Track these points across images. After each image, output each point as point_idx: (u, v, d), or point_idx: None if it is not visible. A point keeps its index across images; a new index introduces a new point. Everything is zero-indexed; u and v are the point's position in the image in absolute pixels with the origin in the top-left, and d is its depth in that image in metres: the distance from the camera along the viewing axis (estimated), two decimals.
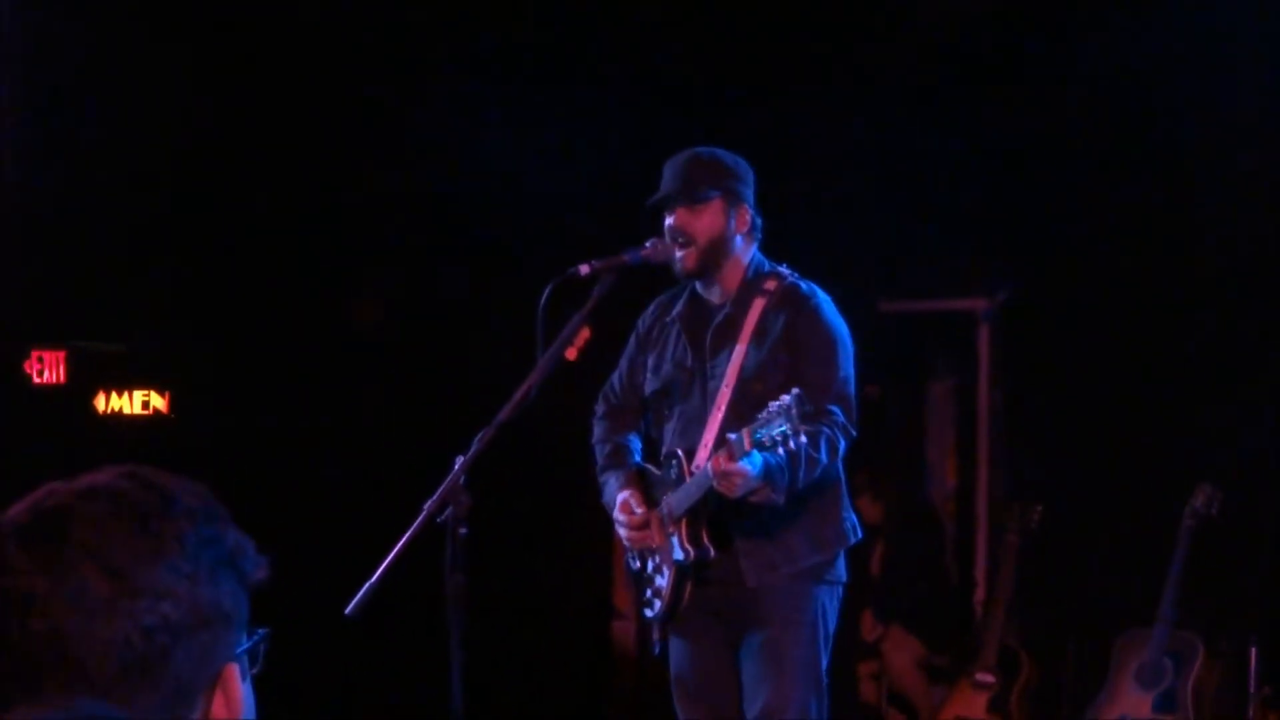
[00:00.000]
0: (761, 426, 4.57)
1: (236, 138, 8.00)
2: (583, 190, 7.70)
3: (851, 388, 5.02)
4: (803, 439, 4.69)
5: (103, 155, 7.74)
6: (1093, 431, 7.72)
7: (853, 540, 5.12)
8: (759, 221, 5.14)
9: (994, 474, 8.35)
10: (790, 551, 4.97)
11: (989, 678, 7.55)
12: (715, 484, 4.77)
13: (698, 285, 5.15)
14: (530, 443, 8.07)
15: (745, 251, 5.11)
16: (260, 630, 2.03)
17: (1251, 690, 6.81)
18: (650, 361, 5.20)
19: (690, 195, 5.02)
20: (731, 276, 5.10)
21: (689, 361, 5.11)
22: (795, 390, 4.56)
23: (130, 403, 7.98)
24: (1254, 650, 6.83)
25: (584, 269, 4.68)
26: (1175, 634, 7.04)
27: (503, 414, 4.46)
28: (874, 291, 8.42)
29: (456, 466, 4.37)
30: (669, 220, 5.04)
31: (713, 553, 4.95)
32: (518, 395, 4.48)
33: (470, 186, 7.91)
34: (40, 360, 7.83)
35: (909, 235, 8.08)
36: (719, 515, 4.93)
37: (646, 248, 4.84)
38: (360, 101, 8.07)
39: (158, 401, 7.99)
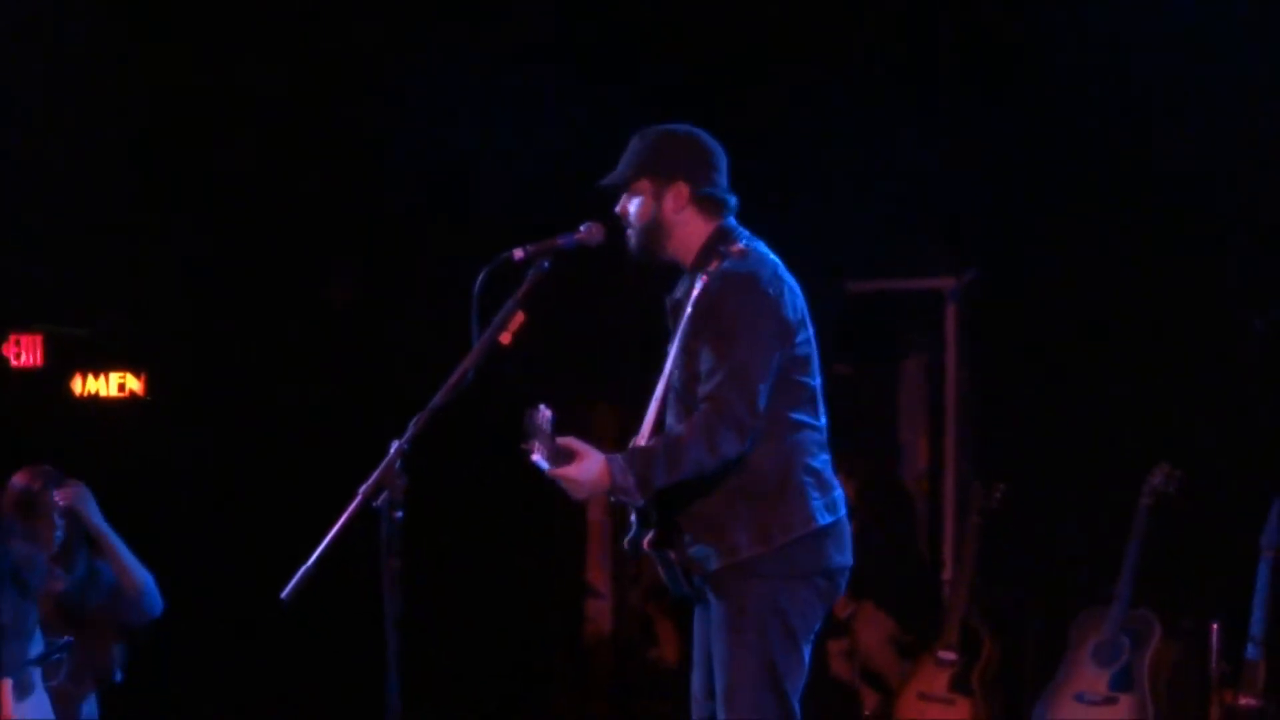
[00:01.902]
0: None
1: (209, 122, 8.05)
2: (529, 173, 7.76)
3: (753, 374, 4.69)
4: (678, 431, 4.67)
5: (77, 140, 7.78)
6: (1055, 411, 7.76)
7: (801, 531, 4.75)
8: (716, 197, 4.91)
9: (961, 453, 8.38)
10: (730, 544, 4.77)
11: (951, 655, 7.61)
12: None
13: (652, 264, 5.08)
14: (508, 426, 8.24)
15: (696, 229, 4.90)
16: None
17: (1213, 668, 6.83)
18: None
19: (620, 180, 4.95)
20: (680, 255, 4.94)
21: (668, 349, 5.01)
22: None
23: (106, 385, 8.05)
24: (1214, 627, 6.85)
25: (518, 253, 4.66)
26: (1132, 612, 7.08)
27: (438, 398, 4.47)
28: (842, 271, 8.46)
29: (392, 450, 4.38)
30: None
31: (648, 540, 4.89)
32: (453, 379, 4.49)
33: (415, 172, 7.98)
34: (18, 343, 7.89)
35: (877, 214, 8.10)
36: (665, 506, 4.80)
37: (580, 231, 4.80)
38: (327, 88, 8.11)
39: (133, 384, 8.05)
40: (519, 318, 4.61)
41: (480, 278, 4.56)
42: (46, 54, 7.74)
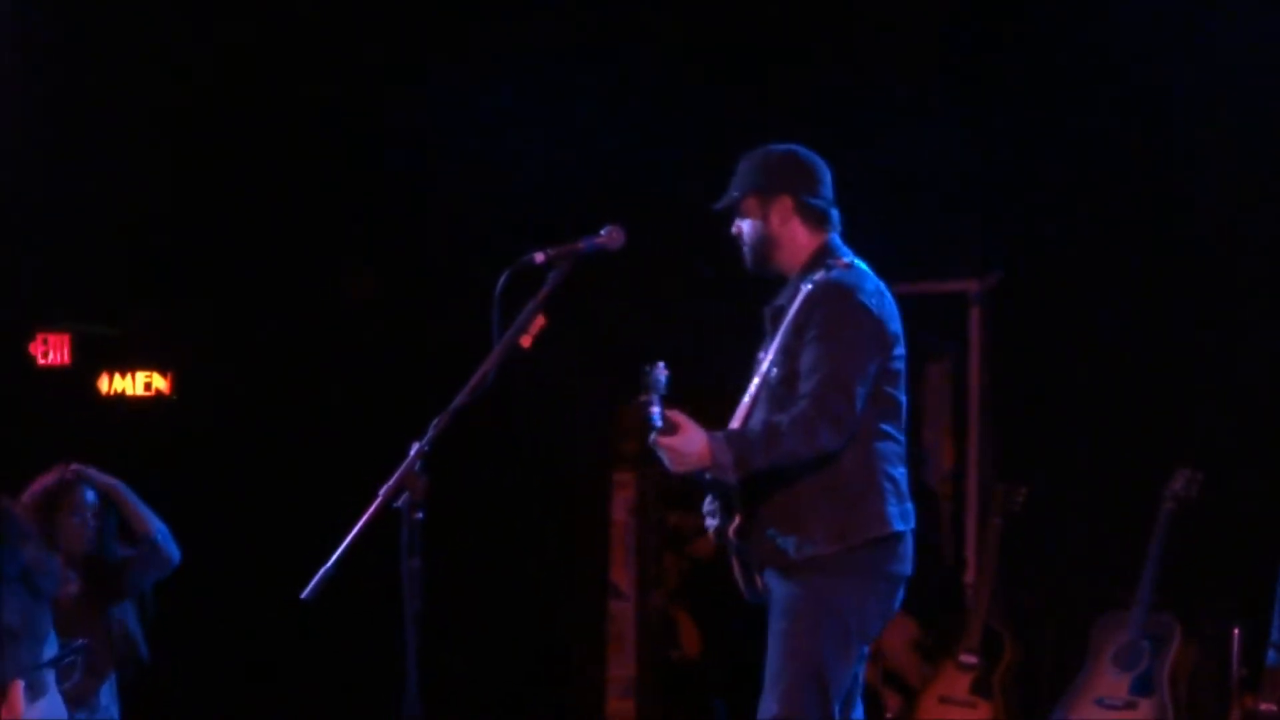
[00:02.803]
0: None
1: (237, 122, 8.08)
2: (552, 175, 7.78)
3: (853, 375, 4.88)
4: (776, 418, 4.79)
5: (106, 140, 7.82)
6: (1077, 414, 7.76)
7: (878, 532, 4.93)
8: (822, 209, 5.17)
9: (984, 456, 8.38)
10: (806, 537, 4.91)
11: (972, 659, 7.61)
12: (662, 459, 4.85)
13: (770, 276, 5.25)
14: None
15: (804, 241, 5.14)
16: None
17: (1233, 672, 6.82)
18: None
19: (730, 202, 5.20)
20: (790, 266, 5.15)
21: (759, 351, 5.21)
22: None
23: (133, 384, 8.09)
24: (1236, 632, 6.84)
25: (539, 256, 4.70)
26: (1153, 616, 7.08)
27: (458, 400, 4.50)
28: None
29: (412, 452, 4.41)
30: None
31: (733, 528, 5.00)
32: (473, 381, 4.53)
33: (441, 175, 8.01)
34: (45, 342, 7.94)
35: (901, 217, 8.10)
36: (749, 498, 4.96)
37: (602, 235, 4.86)
38: (351, 90, 8.14)
39: (160, 383, 8.09)
40: (539, 321, 4.65)
41: (501, 280, 4.60)
42: (78, 52, 7.78)
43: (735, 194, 5.18)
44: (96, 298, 8.07)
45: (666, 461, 4.86)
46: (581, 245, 4.81)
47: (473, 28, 7.98)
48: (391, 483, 4.38)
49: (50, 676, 5.94)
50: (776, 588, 4.99)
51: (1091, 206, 7.81)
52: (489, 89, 7.92)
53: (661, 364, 4.78)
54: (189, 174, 8.08)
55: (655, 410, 4.78)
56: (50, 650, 5.93)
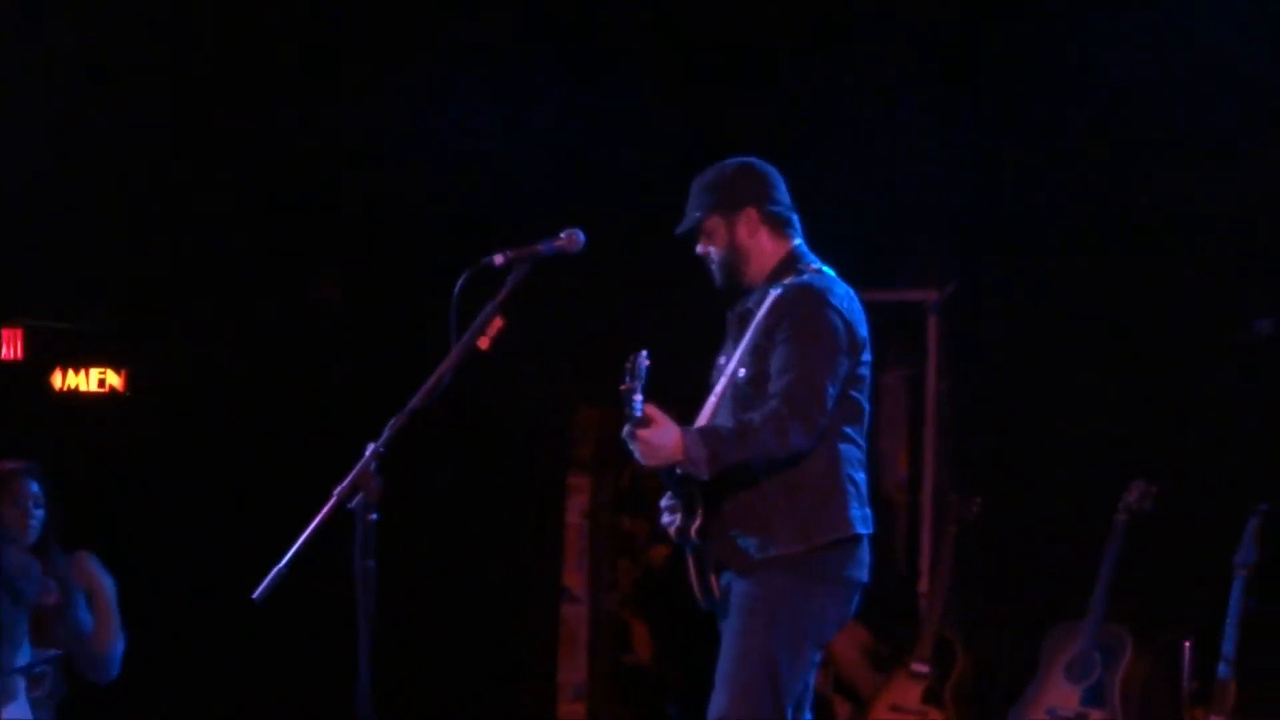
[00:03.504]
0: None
1: (196, 120, 8.04)
2: (513, 178, 7.77)
3: (824, 376, 4.93)
4: (752, 417, 4.81)
5: (61, 135, 7.78)
6: (1033, 424, 7.77)
7: (841, 534, 4.98)
8: (784, 215, 5.23)
9: (940, 465, 8.39)
10: (770, 537, 4.94)
11: (924, 668, 7.62)
12: (634, 452, 4.84)
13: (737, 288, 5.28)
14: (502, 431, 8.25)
15: (771, 249, 5.20)
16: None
17: (1184, 685, 6.84)
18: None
19: (690, 225, 5.22)
20: (759, 276, 5.19)
21: (722, 358, 5.23)
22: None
23: (86, 380, 8.04)
24: (1187, 645, 6.86)
25: (498, 258, 4.70)
26: (1105, 628, 7.10)
27: (415, 401, 4.49)
28: None
29: (368, 452, 4.40)
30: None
31: (695, 527, 4.99)
32: (429, 382, 4.52)
33: (400, 176, 7.99)
34: None
35: (860, 226, 8.10)
36: (710, 496, 4.97)
37: (561, 238, 4.86)
38: (314, 92, 8.12)
39: (113, 380, 8.04)
40: (498, 323, 4.64)
41: (459, 282, 4.59)
42: (32, 48, 7.73)
43: (699, 215, 5.20)
44: (51, 292, 8.02)
45: (639, 455, 4.86)
46: (541, 248, 4.81)
47: (436, 30, 7.96)
48: (346, 483, 4.36)
49: (21, 684, 5.91)
50: (735, 587, 5.01)
51: (1050, 216, 7.83)
52: (451, 91, 7.90)
53: (644, 353, 4.80)
54: (149, 171, 8.04)
55: (638, 399, 4.79)
56: (23, 657, 5.89)
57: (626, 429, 4.83)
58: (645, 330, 7.63)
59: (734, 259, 5.18)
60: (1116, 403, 7.53)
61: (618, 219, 6.99)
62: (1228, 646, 6.66)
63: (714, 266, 5.23)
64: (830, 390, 4.94)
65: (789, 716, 4.95)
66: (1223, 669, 6.65)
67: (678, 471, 4.92)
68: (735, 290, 5.24)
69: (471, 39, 7.96)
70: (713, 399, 5.12)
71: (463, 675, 8.44)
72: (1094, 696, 7.05)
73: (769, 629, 4.93)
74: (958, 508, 7.74)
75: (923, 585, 8.29)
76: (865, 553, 5.10)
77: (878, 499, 8.66)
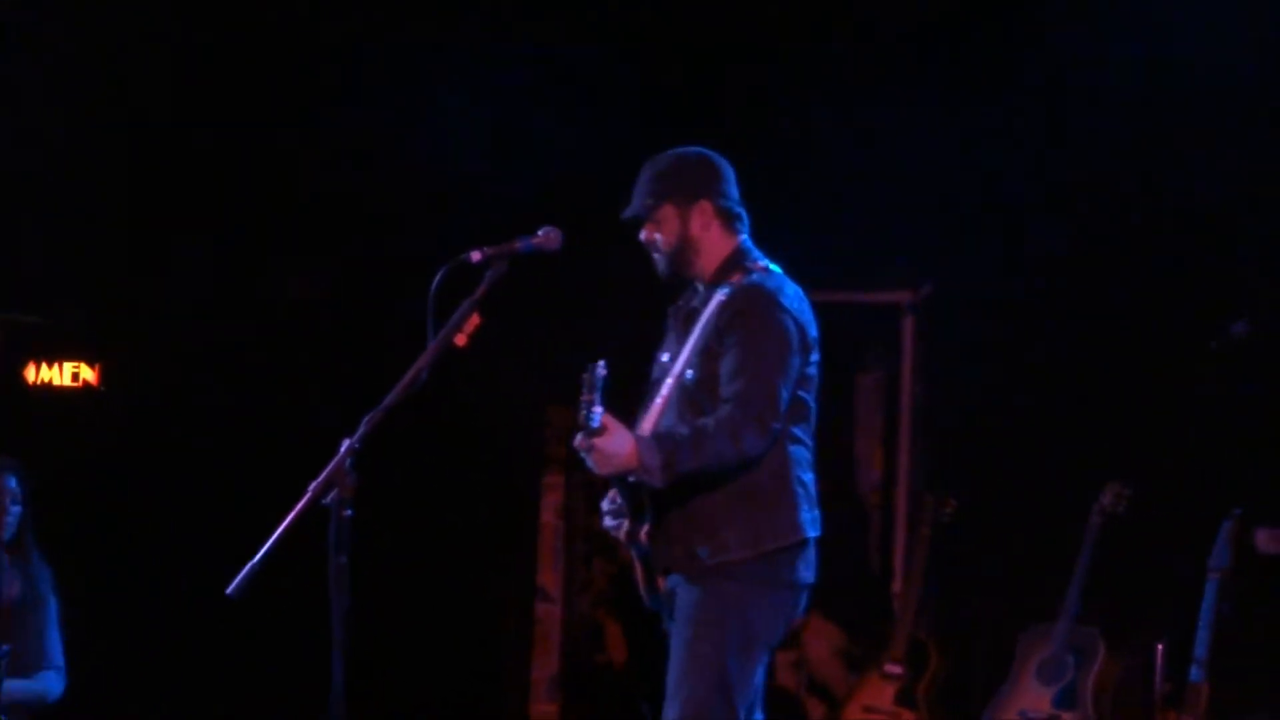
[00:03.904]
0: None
1: (171, 113, 8.02)
2: (492, 175, 7.76)
3: (777, 379, 4.92)
4: (702, 421, 4.79)
5: (34, 129, 7.75)
6: (1008, 426, 7.78)
7: (791, 539, 4.96)
8: (735, 211, 5.17)
9: (914, 466, 8.40)
10: (720, 543, 4.91)
11: (897, 669, 7.63)
12: (588, 462, 4.81)
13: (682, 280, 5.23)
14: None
15: (720, 244, 5.14)
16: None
17: (1157, 687, 6.85)
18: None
19: (641, 210, 5.16)
20: (706, 270, 5.14)
21: (665, 355, 5.19)
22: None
23: (60, 374, 7.99)
24: (1160, 647, 6.87)
25: (476, 255, 4.69)
26: (1078, 630, 7.12)
27: (390, 397, 4.48)
28: (800, 282, 8.45)
29: (343, 448, 4.39)
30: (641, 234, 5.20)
31: (644, 531, 4.97)
32: (406, 379, 4.51)
33: (379, 172, 7.98)
34: None
35: (836, 227, 8.12)
36: (658, 502, 4.93)
37: (538, 236, 4.86)
38: (290, 85, 8.10)
39: (87, 374, 8.01)
40: (475, 320, 4.64)
41: (437, 278, 4.59)
42: (5, 45, 7.72)
43: (651, 202, 5.16)
44: (25, 285, 7.98)
45: (592, 463, 4.82)
46: (518, 245, 4.81)
47: (415, 25, 7.95)
48: (321, 479, 4.35)
49: None
50: (683, 593, 4.98)
51: (1025, 218, 7.84)
52: (428, 87, 7.89)
53: (602, 362, 4.74)
54: (123, 164, 8.01)
55: (597, 410, 4.73)
56: None
57: (579, 438, 4.77)
58: (623, 329, 7.63)
59: (684, 251, 5.14)
60: (1091, 405, 7.54)
61: (596, 217, 6.98)
62: (1200, 649, 6.67)
63: (660, 256, 5.17)
64: (783, 393, 4.92)
65: (740, 717, 4.94)
66: (1195, 672, 6.66)
67: (630, 479, 4.89)
68: (680, 282, 5.20)
69: (451, 35, 7.95)
70: (659, 400, 5.07)
71: (436, 673, 8.43)
72: (1066, 698, 7.06)
73: (719, 637, 4.90)
74: (932, 509, 7.76)
75: (897, 586, 8.30)
76: (812, 554, 5.07)
77: (852, 501, 8.77)
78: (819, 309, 8.55)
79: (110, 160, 7.98)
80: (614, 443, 4.78)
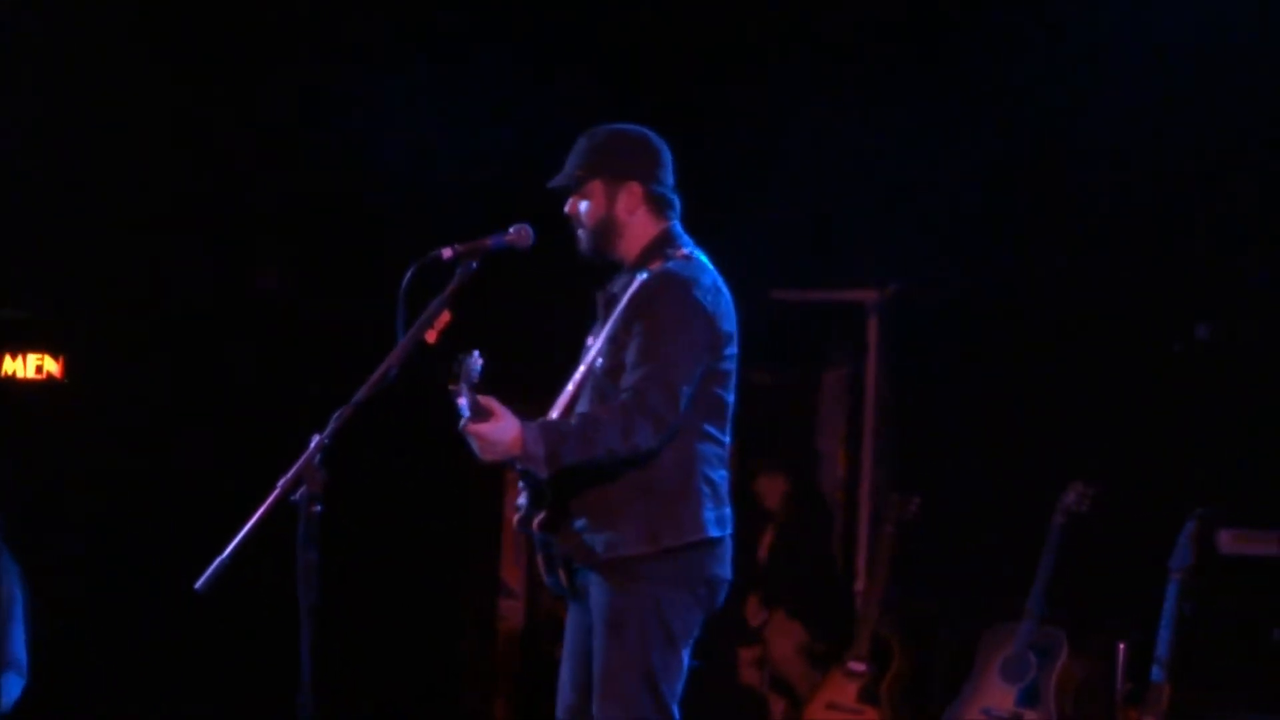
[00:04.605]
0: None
1: (137, 107, 8.00)
2: (464, 170, 7.75)
3: (679, 374, 4.77)
4: (596, 412, 4.71)
5: (5, 120, 7.73)
6: (972, 425, 7.81)
7: (689, 538, 4.83)
8: (665, 196, 5.02)
9: (879, 464, 8.42)
10: (618, 537, 4.82)
11: (861, 666, 7.65)
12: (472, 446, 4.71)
13: (604, 262, 5.10)
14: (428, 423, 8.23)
15: (646, 228, 5.00)
16: None
17: (1118, 686, 6.89)
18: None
19: (568, 180, 5.02)
20: (629, 253, 5.01)
21: (588, 338, 5.10)
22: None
23: (24, 367, 7.97)
24: (1122, 647, 6.90)
25: (446, 252, 4.67)
26: (1041, 629, 7.14)
27: (360, 394, 4.47)
28: (766, 280, 8.49)
29: (312, 444, 4.38)
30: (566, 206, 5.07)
31: (538, 520, 4.88)
32: (375, 375, 4.50)
33: (350, 167, 7.97)
34: None
35: (802, 225, 8.14)
36: (560, 493, 4.84)
37: (510, 233, 4.83)
38: (262, 80, 8.09)
39: (51, 366, 7.98)
40: (445, 316, 4.63)
41: (408, 275, 4.58)
42: None
43: (579, 174, 5.01)
44: None
45: (475, 449, 4.71)
46: (489, 242, 4.79)
47: (385, 21, 7.95)
48: (290, 475, 4.34)
49: None
50: (596, 594, 4.89)
51: (991, 217, 7.87)
52: (399, 80, 7.88)
53: (476, 353, 4.64)
54: (89, 158, 7.98)
55: (462, 401, 4.63)
56: None
57: (461, 423, 4.66)
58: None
59: (606, 230, 5.01)
60: (1055, 404, 7.57)
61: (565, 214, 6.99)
62: (1161, 649, 6.70)
63: (583, 231, 5.04)
64: (685, 389, 4.77)
65: (676, 714, 4.89)
66: (1156, 671, 6.70)
67: (518, 467, 4.80)
68: (602, 261, 5.06)
69: (422, 28, 7.94)
70: (570, 387, 4.98)
71: (402, 668, 8.43)
72: (1029, 697, 7.09)
73: (640, 641, 4.82)
74: (896, 507, 7.78)
75: (860, 584, 8.32)
76: (726, 550, 4.94)
77: (816, 499, 8.80)
78: (784, 306, 8.69)
79: (76, 153, 7.95)
80: (498, 429, 4.65)
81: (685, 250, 4.97)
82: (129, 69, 7.92)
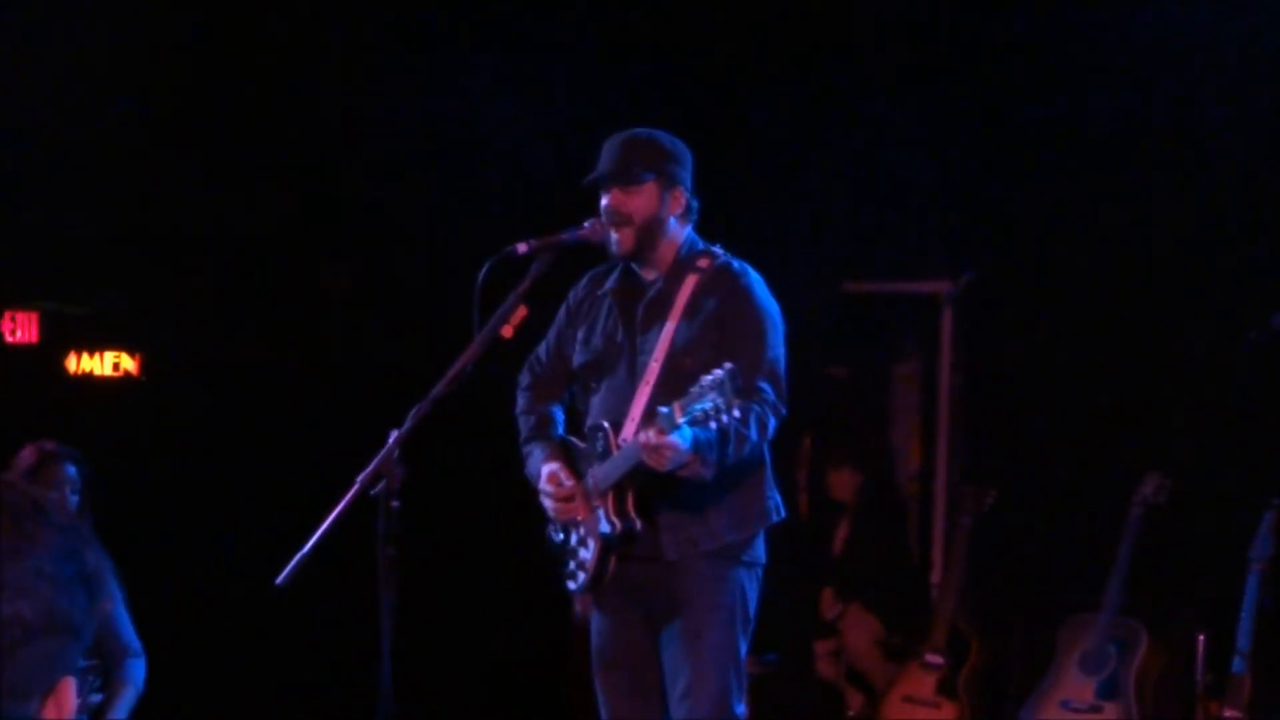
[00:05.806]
0: (694, 401, 4.54)
1: (214, 104, 8.04)
2: (531, 167, 7.75)
3: (781, 366, 4.99)
4: (736, 414, 4.67)
5: (79, 117, 7.77)
6: (1047, 417, 7.77)
7: (774, 519, 5.07)
8: (694, 204, 5.13)
9: (953, 456, 8.40)
10: (711, 528, 4.93)
11: (938, 659, 7.62)
12: (644, 458, 4.72)
13: (632, 262, 5.15)
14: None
15: (679, 233, 5.09)
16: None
17: (1199, 678, 6.84)
18: (580, 334, 5.19)
19: (625, 176, 5.04)
20: (665, 256, 5.08)
21: (619, 336, 5.11)
22: (728, 365, 4.54)
23: (101, 364, 8.03)
24: (1202, 638, 6.86)
25: (522, 247, 4.72)
26: (1120, 621, 7.10)
27: (437, 389, 4.50)
28: (839, 273, 8.48)
29: (391, 440, 4.41)
30: (605, 200, 5.04)
31: (639, 525, 4.93)
32: (452, 371, 4.53)
33: (424, 164, 7.98)
34: (13, 320, 7.87)
35: (875, 217, 8.12)
36: (645, 489, 4.91)
37: (585, 228, 4.87)
38: (330, 77, 8.11)
39: (128, 363, 8.04)
40: (521, 311, 4.66)
41: (483, 270, 4.60)
42: (46, 27, 7.73)
43: (638, 170, 5.04)
44: (67, 276, 8.01)
45: (652, 460, 4.73)
46: (564, 237, 4.83)
47: (454, 16, 7.95)
48: (369, 470, 4.37)
49: (88, 682, 5.92)
50: (679, 585, 4.96)
51: (1065, 208, 7.83)
52: (472, 78, 7.89)
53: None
54: (165, 154, 8.02)
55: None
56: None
57: (651, 434, 4.68)
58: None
59: (651, 231, 5.05)
60: (1131, 395, 7.53)
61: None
62: (1242, 640, 6.65)
63: (627, 229, 5.03)
64: (785, 382, 5.01)
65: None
66: (1237, 663, 6.65)
67: (684, 473, 4.82)
68: (635, 259, 5.09)
69: (496, 21, 7.94)
70: (645, 389, 5.00)
71: (482, 664, 8.44)
72: (1108, 689, 7.05)
73: (729, 625, 4.96)
74: (971, 499, 7.74)
75: (935, 576, 8.30)
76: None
77: (891, 491, 8.78)
78: (858, 299, 8.67)
79: (152, 151, 8.00)
80: (680, 440, 4.70)
81: (717, 249, 5.13)
82: (207, 66, 7.96)
